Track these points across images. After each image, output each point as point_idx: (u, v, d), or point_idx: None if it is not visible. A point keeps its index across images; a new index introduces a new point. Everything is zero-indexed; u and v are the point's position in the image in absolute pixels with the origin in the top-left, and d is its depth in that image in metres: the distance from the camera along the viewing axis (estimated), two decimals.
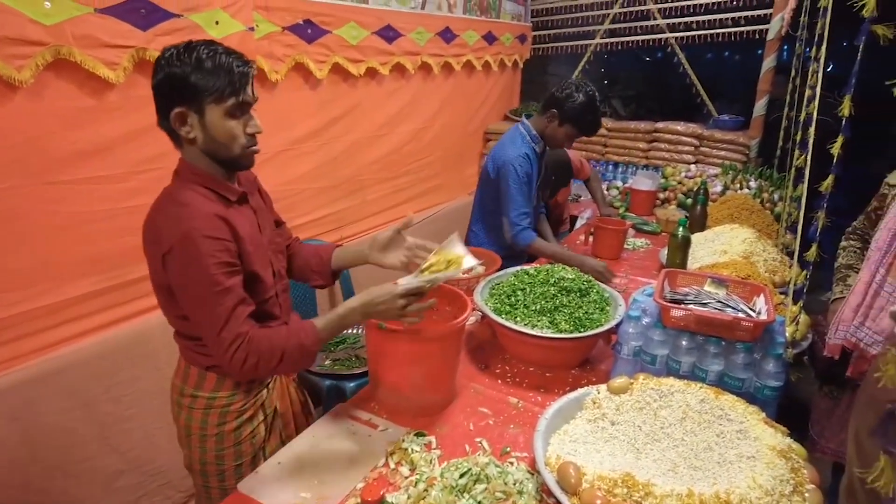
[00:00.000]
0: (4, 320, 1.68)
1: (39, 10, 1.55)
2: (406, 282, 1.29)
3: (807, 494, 1.10)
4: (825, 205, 1.35)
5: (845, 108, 1.18)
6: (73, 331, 1.86)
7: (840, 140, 1.22)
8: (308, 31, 2.41)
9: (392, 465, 1.27)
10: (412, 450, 1.30)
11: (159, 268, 1.21)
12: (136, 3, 1.78)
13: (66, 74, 1.68)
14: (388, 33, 2.86)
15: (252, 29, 2.15)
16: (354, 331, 2.51)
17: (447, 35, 3.32)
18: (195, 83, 1.14)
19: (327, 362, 2.26)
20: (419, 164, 3.35)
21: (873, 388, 0.83)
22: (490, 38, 3.76)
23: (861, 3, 0.98)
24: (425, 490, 1.14)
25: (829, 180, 1.30)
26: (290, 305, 1.51)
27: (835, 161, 1.22)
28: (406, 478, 1.23)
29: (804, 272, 1.49)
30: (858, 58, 1.12)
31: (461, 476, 1.15)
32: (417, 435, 1.37)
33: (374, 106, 2.90)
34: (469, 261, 1.35)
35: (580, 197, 3.95)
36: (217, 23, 2.01)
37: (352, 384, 2.11)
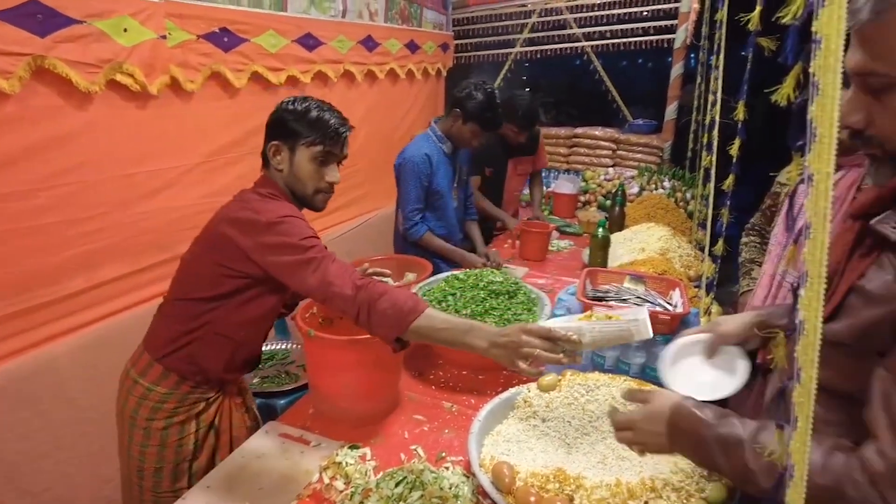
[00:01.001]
0: None
1: None
2: (553, 323, 1.18)
3: None
4: (728, 202, 1.45)
5: (739, 113, 1.28)
6: None
7: (737, 142, 1.31)
8: (224, 39, 2.34)
9: (326, 480, 1.25)
10: (346, 463, 1.28)
11: (238, 241, 1.33)
12: (32, 8, 1.66)
13: None
14: (309, 41, 2.82)
15: (164, 37, 2.06)
16: (283, 346, 2.45)
17: (369, 43, 3.31)
18: (294, 128, 1.42)
19: (255, 380, 2.19)
20: (345, 173, 3.29)
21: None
22: (412, 47, 3.78)
23: (748, 19, 1.07)
24: (361, 502, 1.13)
25: (730, 179, 1.40)
26: None
27: (734, 161, 1.32)
28: (341, 492, 1.21)
29: (714, 265, 1.59)
30: (748, 66, 1.22)
31: (397, 485, 1.15)
32: (351, 447, 1.35)
33: None
34: (631, 315, 1.19)
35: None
36: (125, 30, 1.91)
37: (282, 401, 2.06)
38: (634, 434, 1.01)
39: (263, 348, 2.40)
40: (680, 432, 0.91)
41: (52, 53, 1.72)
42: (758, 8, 1.14)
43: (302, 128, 1.41)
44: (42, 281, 1.83)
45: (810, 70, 0.46)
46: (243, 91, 2.47)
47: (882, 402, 0.70)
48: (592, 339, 1.19)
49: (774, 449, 0.57)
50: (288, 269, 1.30)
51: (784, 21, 0.51)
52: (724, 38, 1.80)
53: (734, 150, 1.32)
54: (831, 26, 0.45)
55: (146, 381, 1.40)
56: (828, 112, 0.45)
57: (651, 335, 1.16)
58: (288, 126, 1.42)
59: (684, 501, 1.09)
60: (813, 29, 0.45)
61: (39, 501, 1.82)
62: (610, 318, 1.20)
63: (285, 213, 1.34)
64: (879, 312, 0.71)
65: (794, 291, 0.48)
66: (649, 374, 1.59)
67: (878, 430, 0.70)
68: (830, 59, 0.45)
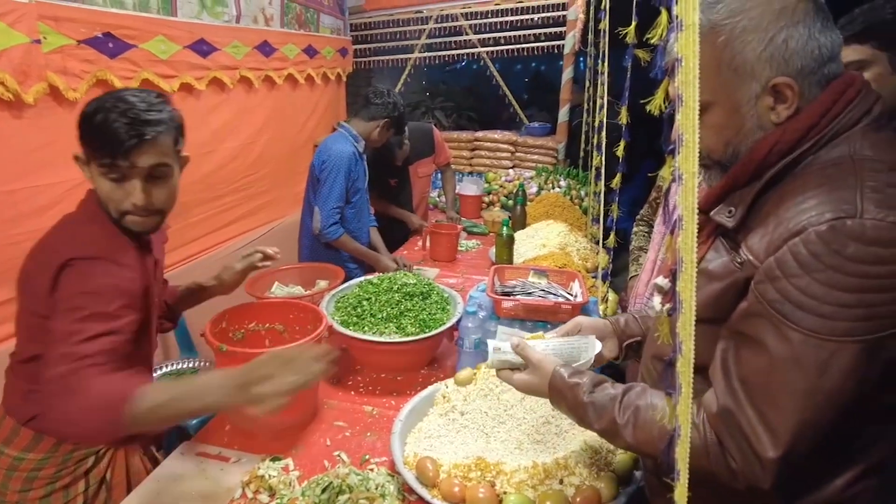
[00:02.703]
0: None
1: None
2: (501, 345, 1.14)
3: None
4: (617, 199, 1.59)
5: (623, 117, 1.41)
6: None
7: (622, 143, 1.45)
8: (109, 44, 2.20)
9: (250, 495, 1.23)
10: (269, 475, 1.27)
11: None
12: None
13: None
14: (202, 47, 2.71)
15: (38, 41, 1.92)
16: (190, 365, 2.35)
17: (266, 49, 3.24)
18: (83, 135, 1.15)
19: None
20: (247, 180, 3.22)
21: (655, 346, 1.02)
22: (311, 52, 3.74)
23: (625, 33, 1.19)
24: None
25: (617, 178, 1.53)
26: None
27: (620, 161, 1.45)
28: None
29: (607, 256, 1.73)
30: (628, 74, 1.35)
31: (323, 491, 1.16)
32: (273, 460, 1.34)
33: (193, 123, 2.69)
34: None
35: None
36: None
37: (194, 422, 1.98)
38: (519, 389, 1.12)
39: (168, 368, 2.30)
40: (560, 396, 1.02)
41: None
42: (633, 22, 1.27)
43: (87, 135, 1.14)
44: None
45: (675, 85, 0.54)
46: None
47: (720, 357, 0.84)
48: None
49: (664, 413, 0.66)
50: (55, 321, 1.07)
51: (651, 41, 0.59)
52: (607, 46, 1.96)
53: (620, 151, 1.45)
54: (689, 48, 0.53)
55: (14, 451, 1.22)
56: (690, 121, 0.53)
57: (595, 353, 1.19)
58: (81, 132, 1.15)
59: (595, 475, 1.18)
60: (675, 49, 0.53)
61: None
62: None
63: (78, 254, 1.10)
64: (720, 286, 0.84)
65: (673, 275, 0.56)
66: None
67: (714, 379, 0.84)
68: (690, 76, 0.53)
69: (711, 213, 0.88)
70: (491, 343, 1.15)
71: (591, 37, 3.32)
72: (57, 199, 2.03)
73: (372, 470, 1.30)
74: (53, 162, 2.02)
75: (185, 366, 2.35)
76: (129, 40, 2.29)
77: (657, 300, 1.04)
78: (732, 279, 0.82)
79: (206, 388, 1.00)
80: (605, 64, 2.08)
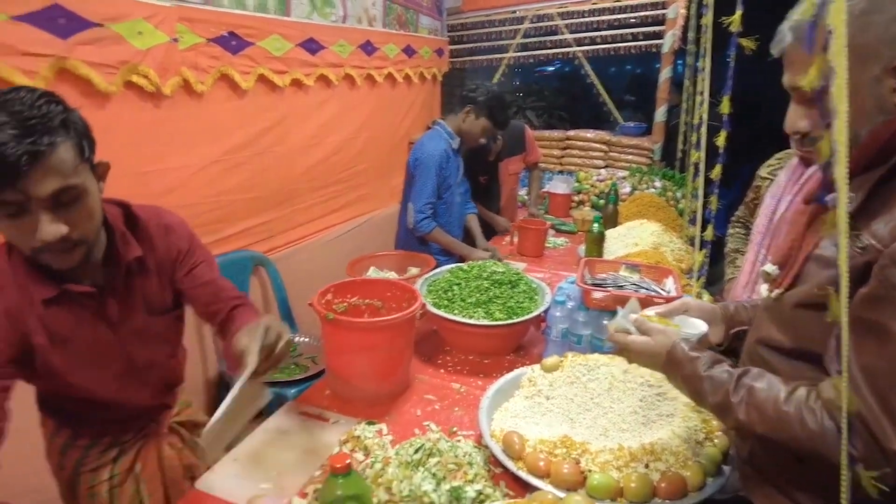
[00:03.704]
0: None
1: None
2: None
3: (716, 440, 1.27)
4: (716, 190, 1.56)
5: (724, 107, 1.38)
6: None
7: (723, 134, 1.42)
8: (232, 42, 2.42)
9: (347, 452, 1.33)
10: (365, 437, 1.36)
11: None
12: (54, 12, 1.74)
13: None
14: (312, 45, 2.90)
15: (176, 40, 2.14)
16: (295, 339, 2.53)
17: (368, 48, 3.41)
18: None
19: None
20: (347, 173, 3.40)
21: (762, 330, 1.02)
22: (409, 52, 3.88)
23: (729, 21, 1.18)
24: (382, 468, 1.21)
25: (717, 169, 1.50)
26: None
27: (720, 152, 1.43)
28: (361, 462, 1.29)
29: (703, 252, 1.69)
30: (731, 65, 1.32)
31: (415, 452, 1.23)
32: (368, 423, 1.43)
33: (301, 117, 2.93)
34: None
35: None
36: (140, 33, 1.99)
37: (294, 390, 2.13)
38: (629, 356, 1.14)
39: None
40: (677, 366, 1.03)
41: (73, 55, 1.80)
42: (738, 11, 1.25)
43: None
44: None
45: (827, 57, 0.57)
46: (250, 93, 2.55)
47: (835, 344, 0.82)
48: None
49: (829, 396, 0.70)
50: None
51: (797, 18, 0.62)
52: (709, 41, 1.91)
53: (720, 140, 1.42)
54: (838, 18, 0.55)
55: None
56: (840, 89, 0.56)
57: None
58: None
59: (682, 463, 1.18)
60: (827, 22, 0.56)
61: None
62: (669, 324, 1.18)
63: None
64: (836, 272, 0.82)
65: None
66: (595, 344, 1.71)
67: (832, 368, 0.83)
68: (840, 44, 0.56)
69: (828, 198, 0.86)
70: (619, 310, 1.19)
71: (691, 34, 3.22)
72: (182, 181, 2.27)
73: (460, 441, 1.35)
74: (181, 148, 2.25)
75: None
76: (249, 38, 2.50)
77: (764, 288, 1.03)
78: (850, 265, 0.81)
79: None
80: (707, 59, 2.03)
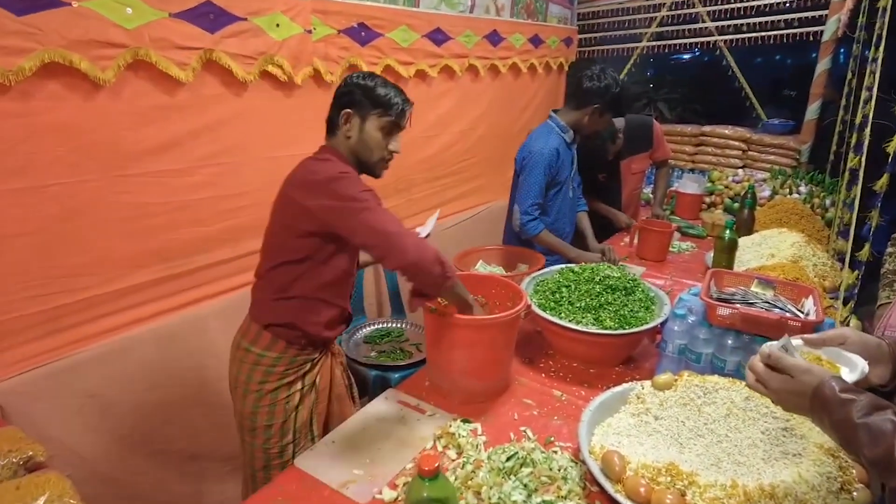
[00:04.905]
0: (74, 304, 1.79)
1: (122, 16, 1.67)
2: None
3: (855, 493, 1.11)
4: (879, 204, 1.34)
5: None
6: (135, 316, 1.95)
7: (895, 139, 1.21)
8: (362, 34, 2.50)
9: (440, 448, 1.33)
10: (459, 434, 1.35)
11: (300, 200, 1.43)
12: (206, 8, 1.89)
13: (142, 74, 1.79)
14: (438, 36, 2.92)
15: (310, 32, 2.25)
16: (398, 325, 2.59)
17: (494, 38, 3.37)
18: (367, 100, 1.50)
19: (373, 353, 2.34)
20: (464, 164, 3.41)
21: None
22: (536, 41, 3.79)
23: None
24: (473, 471, 1.19)
25: (884, 179, 1.29)
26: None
27: (889, 160, 1.22)
28: (453, 460, 1.28)
29: (856, 272, 1.48)
30: None
31: (508, 459, 1.20)
32: (464, 421, 1.42)
33: (423, 107, 2.96)
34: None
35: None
36: (278, 25, 2.11)
37: (397, 375, 2.18)
38: (769, 392, 0.97)
39: (380, 325, 2.57)
40: (825, 409, 0.88)
41: (219, 47, 1.94)
42: None
43: (374, 100, 1.49)
44: (194, 249, 2.07)
45: None
46: None
47: None
48: None
49: None
50: (345, 219, 1.39)
51: None
52: (885, 27, 1.65)
53: (892, 146, 1.21)
54: None
55: (257, 349, 1.53)
56: None
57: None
58: (361, 98, 1.50)
59: None
60: None
61: (196, 443, 2.06)
62: (821, 360, 1.07)
63: (342, 171, 1.43)
64: None
65: None
66: (716, 365, 1.56)
67: None
68: None
69: None
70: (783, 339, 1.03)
71: (861, 19, 2.83)
72: None
73: (556, 452, 1.30)
74: (306, 135, 2.34)
75: (394, 325, 2.59)
76: (378, 29, 2.57)
77: None
78: None
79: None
80: (881, 49, 1.76)
